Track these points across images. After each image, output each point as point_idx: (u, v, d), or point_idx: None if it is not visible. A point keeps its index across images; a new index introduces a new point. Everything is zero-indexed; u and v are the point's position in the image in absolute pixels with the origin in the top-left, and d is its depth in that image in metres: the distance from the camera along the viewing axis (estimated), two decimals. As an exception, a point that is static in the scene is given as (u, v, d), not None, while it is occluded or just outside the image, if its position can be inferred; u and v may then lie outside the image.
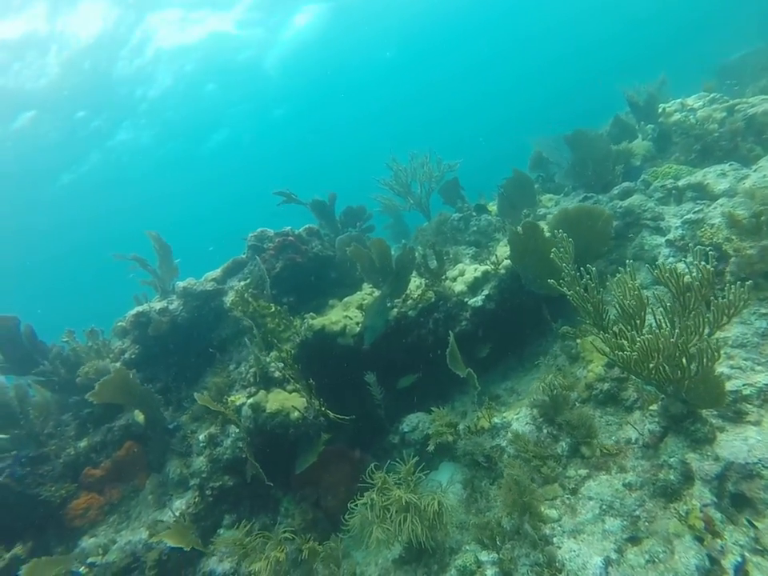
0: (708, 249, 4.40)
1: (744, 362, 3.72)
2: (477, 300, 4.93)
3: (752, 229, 4.17)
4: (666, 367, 2.76)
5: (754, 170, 5.21)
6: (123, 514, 4.66)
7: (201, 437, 4.48)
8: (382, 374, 4.93)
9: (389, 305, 5.06)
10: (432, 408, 5.13)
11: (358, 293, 5.48)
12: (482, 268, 5.13)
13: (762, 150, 5.91)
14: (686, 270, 3.03)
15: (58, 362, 4.90)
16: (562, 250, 3.33)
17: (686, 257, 4.79)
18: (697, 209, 4.99)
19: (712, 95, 6.88)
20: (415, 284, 5.31)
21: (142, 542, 4.11)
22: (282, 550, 3.73)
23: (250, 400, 4.32)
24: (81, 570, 4.09)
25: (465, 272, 5.28)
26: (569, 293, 3.22)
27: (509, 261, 5.00)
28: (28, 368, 4.80)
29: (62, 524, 4.50)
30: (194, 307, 5.07)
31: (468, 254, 5.83)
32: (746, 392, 3.41)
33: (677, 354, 2.74)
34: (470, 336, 5.05)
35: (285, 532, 3.89)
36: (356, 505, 3.69)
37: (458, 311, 5.02)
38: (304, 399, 4.39)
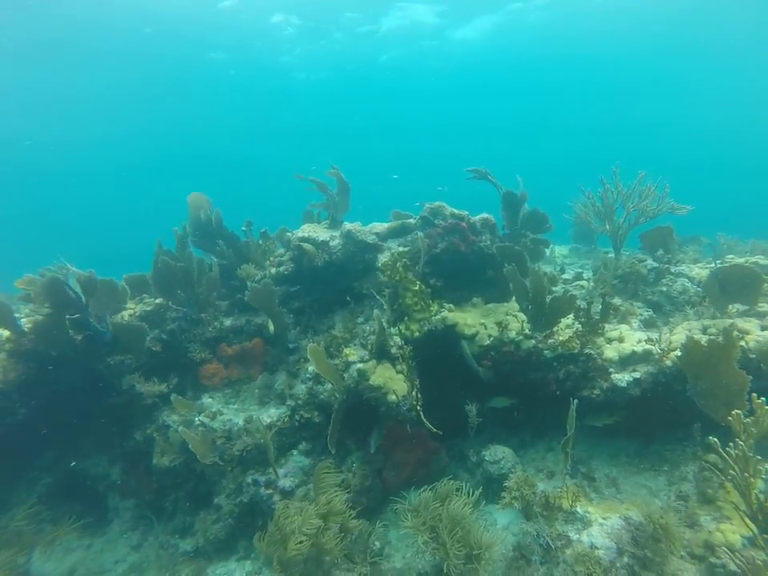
0: None
1: None
2: (623, 378, 4.32)
3: None
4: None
5: None
6: (235, 392, 5.55)
7: (310, 368, 4.96)
8: (492, 391, 4.84)
9: (527, 333, 4.74)
10: (524, 437, 5.03)
11: (505, 304, 5.19)
12: (647, 346, 4.41)
13: None
14: None
15: (230, 249, 5.69)
16: (751, 422, 2.65)
17: None
18: None
19: None
20: (566, 323, 4.84)
21: (237, 427, 4.90)
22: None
23: (360, 365, 4.57)
24: (196, 419, 5.07)
25: (625, 338, 4.61)
26: (731, 471, 2.62)
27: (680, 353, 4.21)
28: (211, 246, 5.68)
29: (196, 377, 5.54)
30: (351, 252, 5.33)
31: (641, 316, 5.03)
32: None
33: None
34: (595, 405, 4.55)
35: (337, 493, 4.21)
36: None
37: (597, 377, 4.48)
38: (406, 386, 4.51)
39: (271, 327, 5.35)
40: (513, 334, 4.71)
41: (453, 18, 23.20)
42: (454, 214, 5.17)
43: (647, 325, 5.03)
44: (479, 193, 6.49)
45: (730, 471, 2.67)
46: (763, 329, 4.45)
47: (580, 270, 6.51)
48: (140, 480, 5.21)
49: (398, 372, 4.65)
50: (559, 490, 4.19)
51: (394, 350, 4.70)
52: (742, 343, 4.27)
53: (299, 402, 4.86)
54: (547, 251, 7.61)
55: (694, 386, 4.05)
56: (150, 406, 5.17)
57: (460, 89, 35.74)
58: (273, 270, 5.69)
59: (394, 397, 4.41)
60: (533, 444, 5.13)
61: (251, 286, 5.00)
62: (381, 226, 5.55)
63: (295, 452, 4.81)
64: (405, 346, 4.63)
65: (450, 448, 5.16)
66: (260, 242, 6.00)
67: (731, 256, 5.97)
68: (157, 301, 5.61)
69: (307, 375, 4.93)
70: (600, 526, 3.79)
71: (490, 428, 5.19)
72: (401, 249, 5.21)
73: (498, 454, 4.68)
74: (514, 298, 5.20)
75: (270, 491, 4.48)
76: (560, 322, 4.72)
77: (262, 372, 5.49)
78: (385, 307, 4.80)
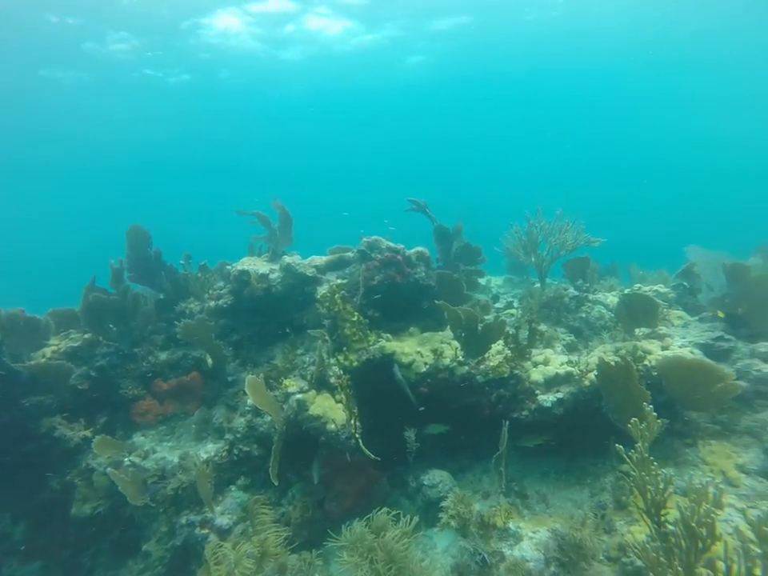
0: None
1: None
2: (547, 399, 4.65)
3: None
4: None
5: None
6: (170, 428, 5.36)
7: (249, 401, 4.90)
8: (429, 417, 4.99)
9: (461, 360, 5.00)
10: (463, 461, 5.20)
11: (440, 333, 5.45)
12: (568, 368, 4.80)
13: None
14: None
15: (168, 282, 5.62)
16: (644, 427, 3.00)
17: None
18: None
19: None
20: (497, 349, 5.16)
21: (172, 465, 4.72)
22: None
23: (299, 395, 4.61)
24: (125, 459, 4.83)
25: (549, 362, 4.98)
26: (632, 472, 2.93)
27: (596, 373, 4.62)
28: (149, 279, 5.59)
29: (127, 415, 5.30)
30: (290, 285, 5.44)
31: (564, 341, 5.46)
32: None
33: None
34: (524, 425, 4.84)
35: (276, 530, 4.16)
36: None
37: (525, 399, 4.79)
38: (345, 415, 4.59)
39: (209, 360, 5.28)
40: (447, 361, 4.95)
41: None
42: (390, 248, 5.44)
43: (569, 348, 5.46)
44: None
45: (632, 473, 2.97)
46: (663, 349, 4.99)
47: (511, 300, 6.96)
48: (52, 536, 4.81)
49: (337, 401, 4.72)
50: (494, 508, 4.38)
51: (333, 380, 4.79)
52: (646, 362, 4.76)
53: (238, 435, 4.79)
54: (482, 281, 8.09)
55: (608, 403, 4.44)
56: (73, 450, 4.88)
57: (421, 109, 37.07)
58: (212, 303, 5.66)
59: (333, 426, 4.46)
60: (470, 467, 5.31)
61: (184, 322, 4.96)
62: (320, 259, 5.72)
63: (233, 487, 4.70)
64: (343, 376, 4.73)
65: (392, 476, 5.22)
66: (199, 275, 5.96)
67: (638, 285, 6.65)
68: (85, 336, 5.38)
69: (246, 408, 4.89)
70: (530, 539, 4.00)
71: (430, 454, 5.32)
72: (339, 281, 5.38)
73: (436, 478, 4.81)
74: (448, 326, 5.49)
75: (206, 531, 4.33)
76: (491, 348, 5.02)
77: (200, 406, 5.36)
78: (326, 338, 4.91)
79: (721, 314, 5.36)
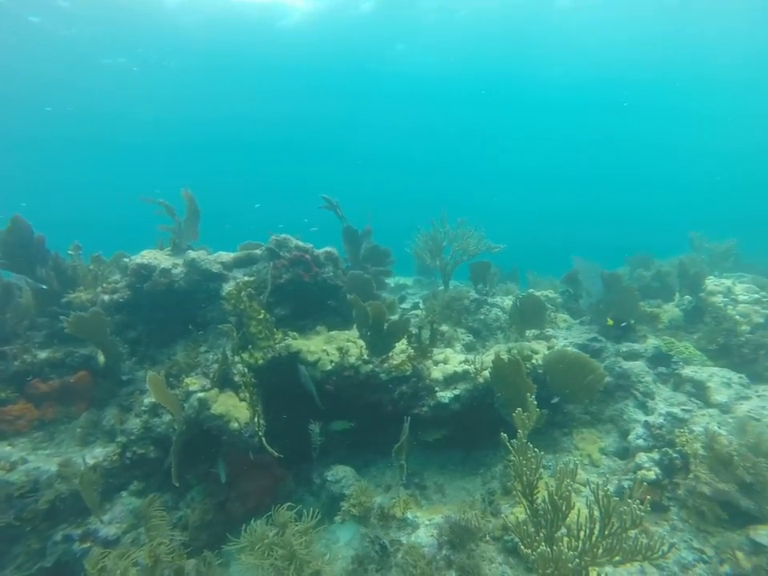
0: (674, 454, 4.43)
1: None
2: (445, 395, 4.98)
3: (723, 461, 4.15)
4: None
5: (758, 394, 5.16)
6: (48, 434, 4.86)
7: (146, 401, 4.64)
8: (335, 414, 5.07)
9: (366, 358, 5.16)
10: (368, 457, 5.36)
11: (347, 332, 5.57)
12: (465, 366, 5.17)
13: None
14: (623, 495, 3.05)
15: (54, 273, 5.10)
16: (526, 415, 3.37)
17: (656, 446, 4.77)
18: (687, 407, 4.97)
19: (761, 294, 6.76)
20: (401, 348, 5.39)
21: (48, 475, 4.28)
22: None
23: (201, 394, 4.46)
24: (-15, 473, 4.28)
25: (449, 360, 5.33)
26: (512, 457, 3.27)
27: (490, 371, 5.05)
28: (28, 270, 5.00)
29: (-7, 422, 4.71)
30: (194, 281, 5.21)
31: (463, 341, 5.87)
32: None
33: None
34: (425, 421, 5.13)
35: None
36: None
37: (425, 395, 5.08)
38: (249, 413, 4.52)
39: (101, 358, 4.88)
40: (353, 359, 5.08)
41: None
42: (299, 247, 5.45)
43: (468, 348, 5.88)
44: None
45: (512, 458, 3.31)
46: (549, 349, 5.59)
47: (418, 300, 7.31)
48: None
49: (241, 400, 4.64)
50: (394, 500, 4.60)
51: (237, 378, 4.69)
52: (534, 360, 5.30)
53: (132, 437, 4.50)
54: (392, 282, 8.37)
55: (499, 398, 4.87)
56: None
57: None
58: (106, 297, 5.23)
59: (236, 424, 4.38)
60: (374, 462, 5.50)
61: (74, 315, 4.54)
62: (227, 256, 5.55)
63: (125, 493, 4.41)
64: (248, 374, 4.66)
65: (297, 473, 5.25)
66: (91, 266, 5.47)
67: (531, 290, 7.34)
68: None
69: (143, 408, 4.61)
70: (426, 527, 4.27)
71: (335, 451, 5.42)
72: (246, 278, 5.27)
73: (340, 474, 4.93)
74: (355, 325, 5.64)
75: (88, 544, 4.00)
76: (395, 346, 5.24)
77: (89, 408, 4.94)
78: (234, 334, 4.79)
79: (610, 322, 6.09)
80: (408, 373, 5.09)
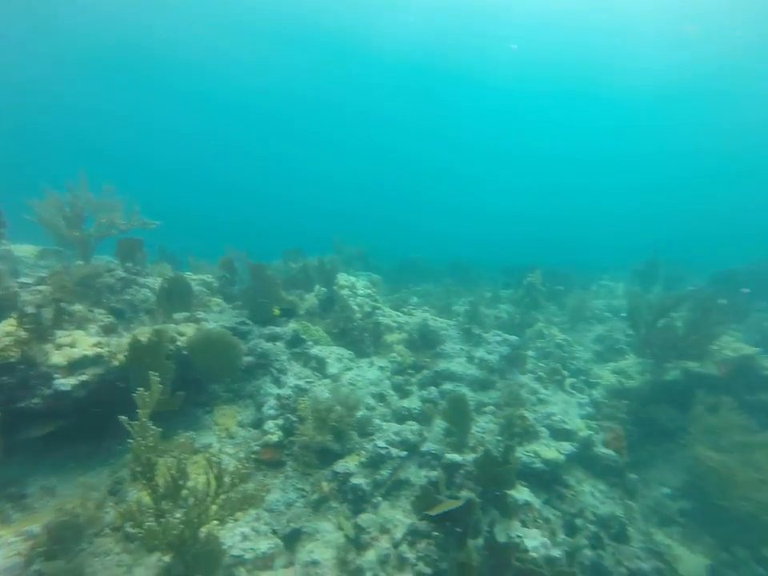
0: (294, 419, 5.28)
1: (264, 526, 4.38)
2: (67, 383, 4.35)
3: (322, 418, 5.23)
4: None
5: (358, 366, 6.79)
6: None
7: None
8: None
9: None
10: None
11: None
12: (98, 350, 4.66)
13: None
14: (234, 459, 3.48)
15: None
16: (147, 394, 3.35)
17: (282, 414, 5.55)
18: (310, 379, 6.03)
19: (372, 290, 8.93)
20: (8, 330, 4.34)
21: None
22: None
23: None
24: None
25: (77, 343, 4.67)
26: (131, 440, 3.20)
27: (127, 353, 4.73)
28: None
29: None
30: None
31: (102, 322, 5.24)
32: (247, 556, 4.00)
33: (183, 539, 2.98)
34: (36, 414, 4.33)
35: None
36: None
37: (39, 384, 4.29)
38: None
39: None
40: None
41: None
42: None
43: (107, 330, 5.29)
44: None
45: (131, 439, 3.22)
46: (198, 331, 5.68)
47: (44, 275, 6.02)
48: None
49: None
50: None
51: None
52: (179, 343, 5.27)
53: None
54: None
55: (135, 382, 4.59)
56: None
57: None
58: None
59: None
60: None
61: None
62: None
63: None
64: None
65: None
66: None
67: (189, 273, 7.26)
68: None
69: None
70: (8, 546, 3.59)
71: None
72: None
73: None
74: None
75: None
76: (-2, 328, 4.20)
77: None
78: None
79: (277, 312, 6.57)
80: (14, 360, 4.16)
